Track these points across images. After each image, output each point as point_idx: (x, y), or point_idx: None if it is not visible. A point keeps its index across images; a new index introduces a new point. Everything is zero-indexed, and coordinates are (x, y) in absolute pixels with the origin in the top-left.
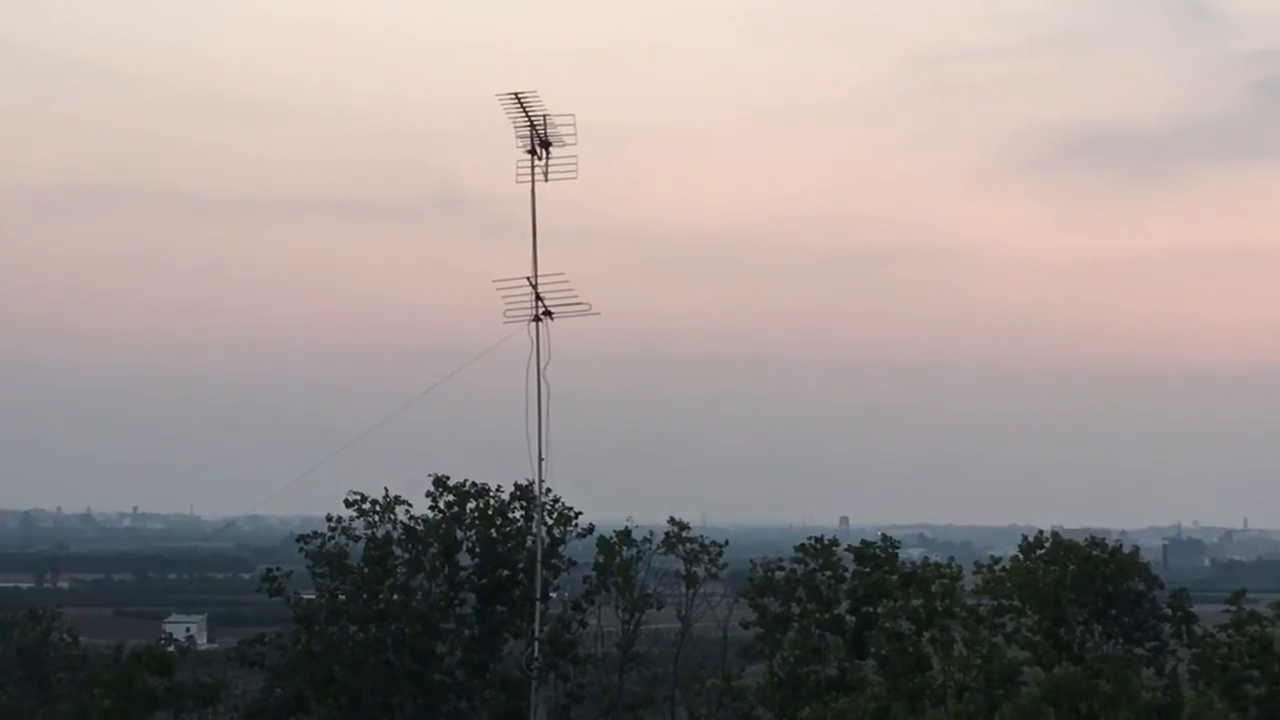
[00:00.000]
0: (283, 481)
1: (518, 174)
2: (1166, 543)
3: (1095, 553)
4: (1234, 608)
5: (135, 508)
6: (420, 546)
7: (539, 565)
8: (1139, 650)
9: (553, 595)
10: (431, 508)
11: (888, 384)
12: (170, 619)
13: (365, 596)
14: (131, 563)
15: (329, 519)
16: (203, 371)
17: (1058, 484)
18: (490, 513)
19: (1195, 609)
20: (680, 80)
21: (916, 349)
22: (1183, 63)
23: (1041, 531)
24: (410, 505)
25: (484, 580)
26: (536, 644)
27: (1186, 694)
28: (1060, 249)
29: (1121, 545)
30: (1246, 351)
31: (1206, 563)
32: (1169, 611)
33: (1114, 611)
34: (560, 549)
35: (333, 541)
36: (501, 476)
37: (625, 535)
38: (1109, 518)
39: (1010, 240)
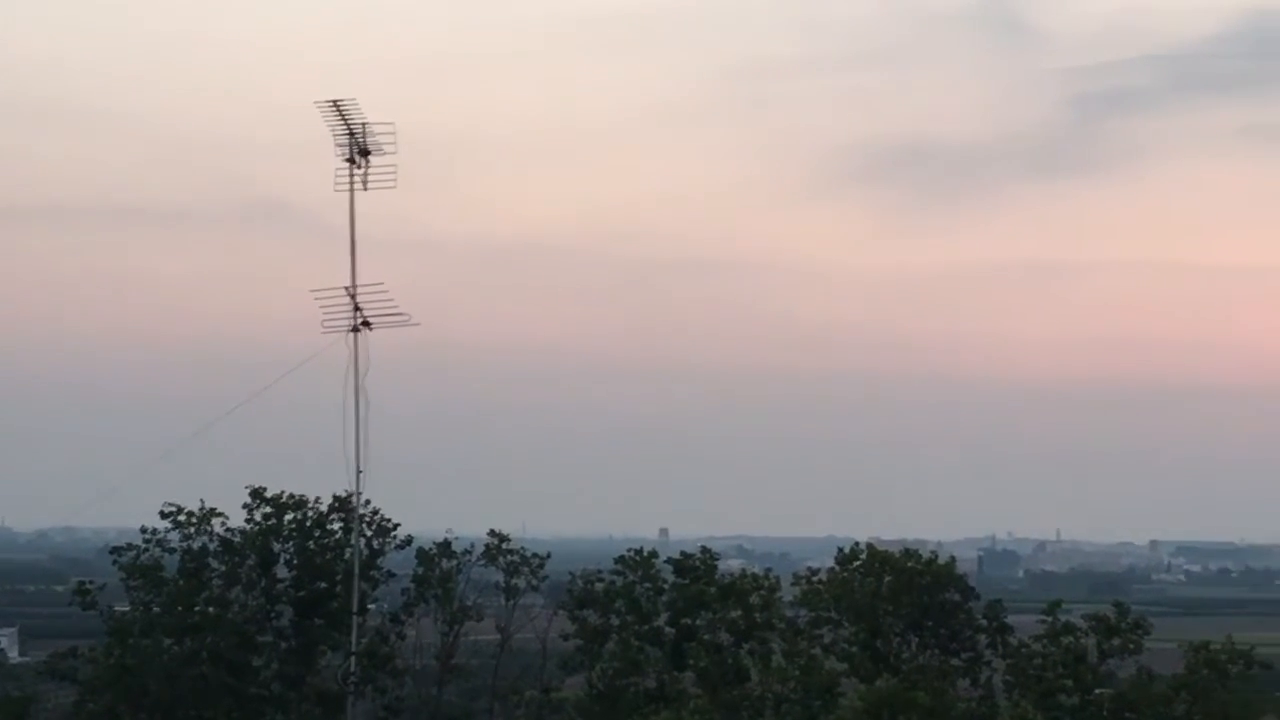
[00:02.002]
0: (96, 493)
1: (336, 183)
2: (981, 554)
3: (911, 564)
4: (1049, 618)
5: None
6: (237, 559)
7: (356, 578)
8: (955, 661)
9: (371, 607)
10: (248, 520)
11: (706, 395)
12: None
13: (180, 609)
14: None
15: (144, 531)
16: (12, 380)
17: (874, 495)
18: (308, 525)
19: (1010, 619)
20: (500, 90)
21: (733, 361)
22: (999, 78)
23: (858, 543)
24: (227, 517)
25: (301, 593)
26: (353, 657)
27: (1001, 704)
28: (875, 264)
29: (937, 556)
30: (1057, 365)
31: (1020, 574)
32: (984, 622)
33: (930, 622)
34: (379, 561)
35: (147, 554)
36: (320, 488)
37: (445, 547)
38: (925, 529)
39: (826, 254)
